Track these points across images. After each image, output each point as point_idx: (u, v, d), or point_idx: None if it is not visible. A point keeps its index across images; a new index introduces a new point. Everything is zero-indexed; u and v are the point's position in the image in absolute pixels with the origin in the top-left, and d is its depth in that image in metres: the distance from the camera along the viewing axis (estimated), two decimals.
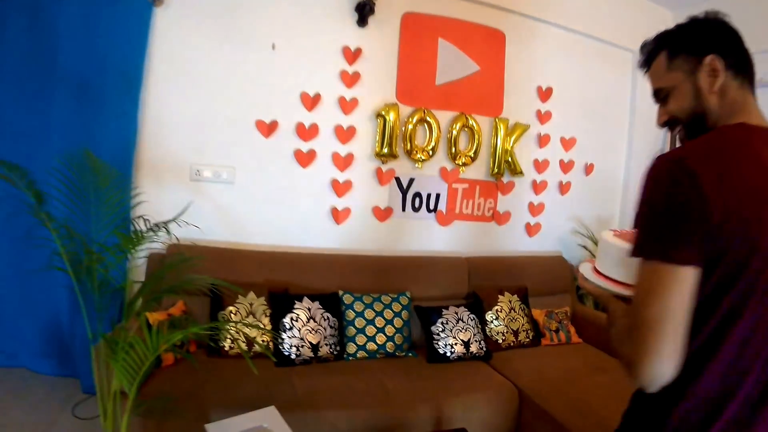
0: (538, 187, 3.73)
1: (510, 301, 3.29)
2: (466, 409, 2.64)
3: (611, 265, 1.23)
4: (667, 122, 1.23)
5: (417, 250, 3.50)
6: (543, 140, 3.71)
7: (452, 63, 3.38)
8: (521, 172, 3.58)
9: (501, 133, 3.49)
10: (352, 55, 3.20)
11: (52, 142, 2.88)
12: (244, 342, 2.82)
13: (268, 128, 3.12)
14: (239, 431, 1.91)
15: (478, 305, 3.24)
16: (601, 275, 1.25)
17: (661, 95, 1.22)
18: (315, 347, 2.85)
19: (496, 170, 3.51)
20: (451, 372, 2.87)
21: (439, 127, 3.36)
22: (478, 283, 3.38)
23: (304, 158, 3.20)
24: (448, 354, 2.98)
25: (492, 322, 3.22)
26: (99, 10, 2.84)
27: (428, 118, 3.32)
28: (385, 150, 3.27)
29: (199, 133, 3.05)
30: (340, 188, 3.28)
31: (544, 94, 3.67)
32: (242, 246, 3.14)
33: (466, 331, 3.04)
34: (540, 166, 3.72)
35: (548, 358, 3.14)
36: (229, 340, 2.81)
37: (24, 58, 2.86)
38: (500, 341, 3.19)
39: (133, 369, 2.13)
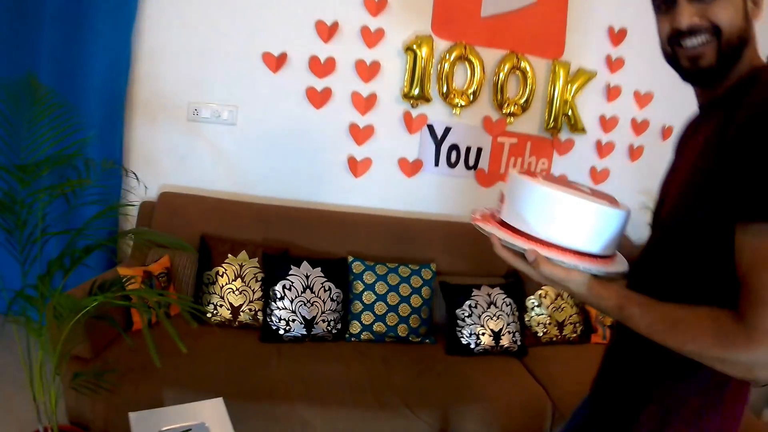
0: (602, 150, 3.08)
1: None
2: (480, 421, 2.18)
3: (544, 220, 0.94)
4: (697, 30, 0.95)
5: (449, 214, 2.99)
6: (612, 93, 3.04)
7: None
8: (583, 129, 2.96)
9: (560, 79, 2.88)
10: None
11: (40, 77, 2.53)
12: (228, 309, 2.42)
13: (276, 62, 2.71)
14: (164, 429, 1.59)
15: (517, 288, 2.72)
16: (521, 235, 0.95)
17: None
18: (309, 323, 2.46)
19: (551, 124, 2.92)
20: (473, 368, 2.40)
21: (482, 68, 2.79)
22: None
23: (318, 98, 2.76)
24: (472, 345, 2.51)
25: (533, 309, 2.70)
26: None
27: (470, 56, 2.76)
28: (416, 91, 2.76)
29: (199, 67, 2.71)
30: (359, 134, 2.83)
31: (616, 36, 2.98)
32: (241, 197, 2.80)
33: (498, 318, 2.53)
34: (607, 124, 3.06)
35: (597, 360, 2.55)
36: (211, 306, 2.41)
37: None
38: (540, 334, 2.68)
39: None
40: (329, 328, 2.46)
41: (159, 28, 2.64)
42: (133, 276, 2.27)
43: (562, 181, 1.00)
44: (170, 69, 2.70)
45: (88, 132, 2.57)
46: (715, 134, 0.92)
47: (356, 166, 2.85)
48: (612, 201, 0.98)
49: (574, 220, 0.92)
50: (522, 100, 2.85)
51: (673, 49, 1.00)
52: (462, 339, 2.49)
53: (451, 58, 2.73)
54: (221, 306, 2.46)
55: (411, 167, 2.88)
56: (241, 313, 2.46)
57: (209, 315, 2.47)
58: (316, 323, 2.44)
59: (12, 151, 1.99)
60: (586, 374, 2.31)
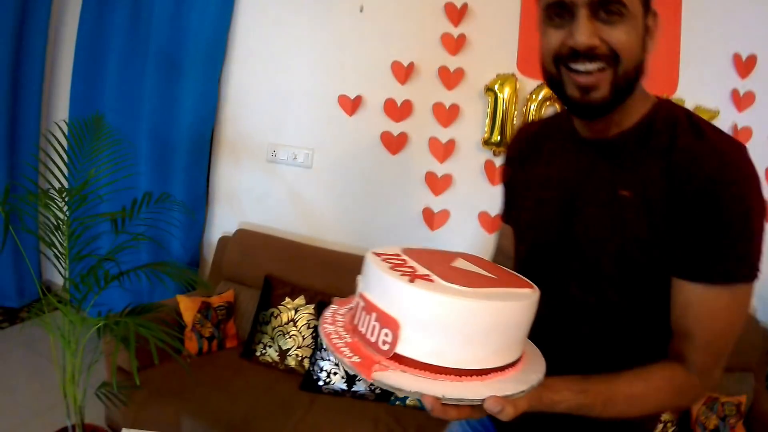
0: None
1: None
2: None
3: (457, 342, 0.70)
4: (594, 54, 0.84)
5: None
6: (741, 135, 2.39)
7: None
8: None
9: None
10: (457, 13, 2.53)
11: (143, 116, 2.97)
12: (276, 351, 2.43)
13: (351, 105, 2.71)
14: None
15: None
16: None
17: (610, 10, 0.83)
18: (351, 378, 2.35)
19: None
20: None
21: None
22: None
23: (393, 143, 2.67)
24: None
25: None
26: None
27: None
28: (497, 137, 2.52)
29: (279, 109, 2.84)
30: (437, 184, 2.66)
31: (744, 66, 2.36)
32: (311, 240, 2.82)
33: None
34: None
35: None
36: (261, 345, 2.42)
37: (126, 41, 3.05)
38: None
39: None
40: (373, 387, 2.27)
41: (243, 72, 2.82)
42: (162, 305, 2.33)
43: (443, 262, 0.81)
44: (253, 111, 2.85)
45: (176, 169, 2.83)
46: (658, 190, 0.86)
47: (432, 218, 2.68)
48: (514, 284, 0.78)
49: (469, 328, 0.70)
50: None
51: (559, 70, 0.89)
52: None
53: (539, 98, 2.44)
54: (270, 347, 2.48)
55: (492, 223, 2.62)
56: (288, 357, 2.45)
57: (258, 354, 2.50)
58: (359, 380, 2.31)
59: (72, 178, 2.19)
60: None
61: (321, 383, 2.31)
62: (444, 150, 2.60)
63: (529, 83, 2.48)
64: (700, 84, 2.40)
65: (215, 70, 2.81)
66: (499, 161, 2.55)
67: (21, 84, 3.04)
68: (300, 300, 2.52)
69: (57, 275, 2.42)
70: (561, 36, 0.86)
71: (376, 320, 0.72)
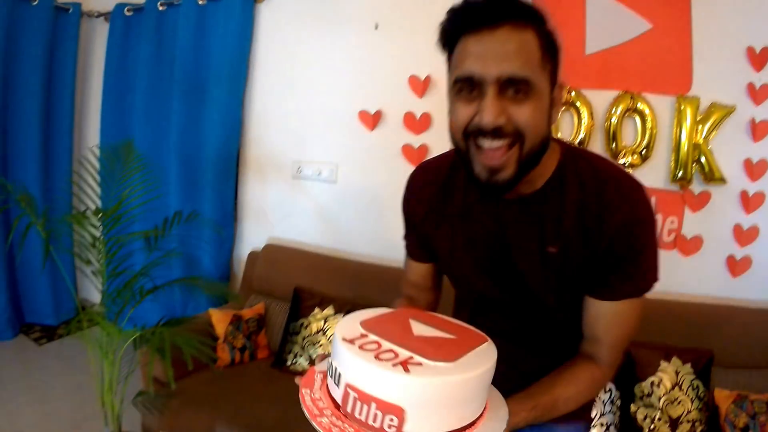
0: (750, 202, 2.43)
1: (678, 372, 2.25)
2: None
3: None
4: (501, 133, 0.88)
5: None
6: (759, 129, 2.39)
7: (608, 22, 2.48)
8: (722, 179, 2.40)
9: (688, 119, 2.39)
10: None
11: (170, 140, 3.09)
12: (306, 360, 2.54)
13: (372, 119, 2.79)
14: None
15: (627, 370, 2.29)
16: None
17: (518, 89, 0.87)
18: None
19: (680, 175, 2.43)
20: None
21: (590, 114, 2.48)
22: (637, 338, 2.33)
23: (415, 155, 2.75)
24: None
25: (642, 398, 2.25)
26: (206, 16, 3.01)
27: (575, 101, 2.48)
28: None
29: (302, 127, 2.94)
30: None
31: (758, 58, 2.36)
32: (338, 253, 2.90)
33: (593, 407, 2.10)
34: (754, 169, 2.42)
35: None
36: (292, 356, 2.51)
37: (151, 69, 3.19)
38: (646, 430, 2.20)
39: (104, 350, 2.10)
40: None
41: (265, 93, 2.93)
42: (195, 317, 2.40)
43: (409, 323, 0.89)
44: (276, 130, 2.95)
45: (205, 189, 2.98)
46: (576, 243, 0.98)
47: None
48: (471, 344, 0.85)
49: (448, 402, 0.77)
50: (641, 148, 2.45)
51: (468, 145, 0.93)
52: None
53: None
54: (300, 356, 2.55)
55: None
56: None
57: (288, 363, 2.57)
58: None
59: (106, 199, 2.30)
60: None
61: None
62: None
63: None
64: (714, 79, 2.41)
65: (238, 93, 2.92)
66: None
67: (52, 113, 3.21)
68: (329, 310, 2.58)
69: (92, 293, 2.52)
70: (470, 111, 0.89)
71: (377, 409, 0.74)
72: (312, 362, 2.49)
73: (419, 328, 0.87)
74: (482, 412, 0.83)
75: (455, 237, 1.13)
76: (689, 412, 2.18)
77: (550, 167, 1.00)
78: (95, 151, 2.39)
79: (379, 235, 2.85)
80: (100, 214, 2.14)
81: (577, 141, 2.49)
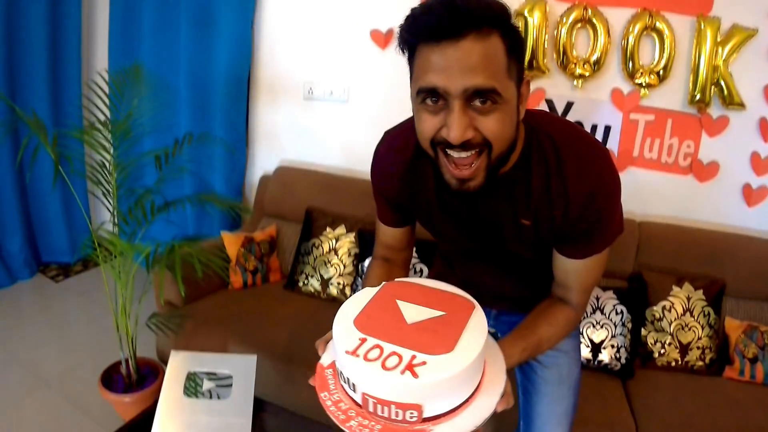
0: None
1: (689, 298, 2.24)
2: None
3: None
4: (469, 145, 0.88)
5: None
6: None
7: None
8: (741, 104, 2.30)
9: (707, 41, 2.26)
10: None
11: (180, 63, 3.00)
12: (318, 281, 2.51)
13: (384, 39, 2.70)
14: (195, 370, 1.71)
15: (638, 294, 2.28)
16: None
17: (483, 101, 0.85)
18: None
19: (698, 97, 2.33)
20: None
21: (607, 31, 2.37)
22: (649, 262, 2.37)
23: None
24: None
25: (653, 323, 2.24)
26: None
27: (592, 18, 2.36)
28: (529, 63, 2.46)
29: (313, 48, 2.84)
30: None
31: None
32: (351, 172, 2.86)
33: (602, 327, 2.17)
34: None
35: (724, 402, 2.02)
36: (303, 276, 2.52)
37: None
38: (656, 355, 2.21)
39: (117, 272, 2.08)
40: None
41: (276, 14, 2.83)
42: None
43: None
44: (287, 51, 2.85)
45: (215, 113, 2.93)
46: (546, 217, 1.05)
47: None
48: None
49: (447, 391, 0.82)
50: (659, 69, 2.34)
51: (436, 152, 0.93)
52: None
53: (569, 22, 2.37)
54: (312, 277, 2.54)
55: None
56: (330, 286, 2.50)
57: (300, 284, 2.56)
58: None
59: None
60: (702, 418, 1.93)
61: None
62: None
63: (559, 6, 2.40)
64: (736, 1, 2.26)
65: (248, 14, 2.81)
66: (532, 86, 2.46)
67: (59, 38, 3.10)
68: (341, 229, 2.57)
69: (106, 224, 2.49)
70: (436, 123, 0.88)
71: (396, 408, 0.80)
72: (324, 281, 2.50)
73: (409, 312, 0.90)
74: (482, 377, 0.89)
75: (432, 208, 1.18)
76: (699, 338, 2.17)
77: (517, 150, 1.02)
78: (104, 75, 2.34)
79: None
80: (109, 126, 2.10)
81: (593, 60, 2.39)
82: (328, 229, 2.58)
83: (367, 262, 2.40)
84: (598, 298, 2.19)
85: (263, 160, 3.11)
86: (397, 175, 1.19)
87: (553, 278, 1.21)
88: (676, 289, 2.23)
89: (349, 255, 2.51)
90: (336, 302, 2.49)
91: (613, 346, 2.13)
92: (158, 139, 2.77)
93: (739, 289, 2.29)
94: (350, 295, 2.31)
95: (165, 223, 2.58)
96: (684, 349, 2.17)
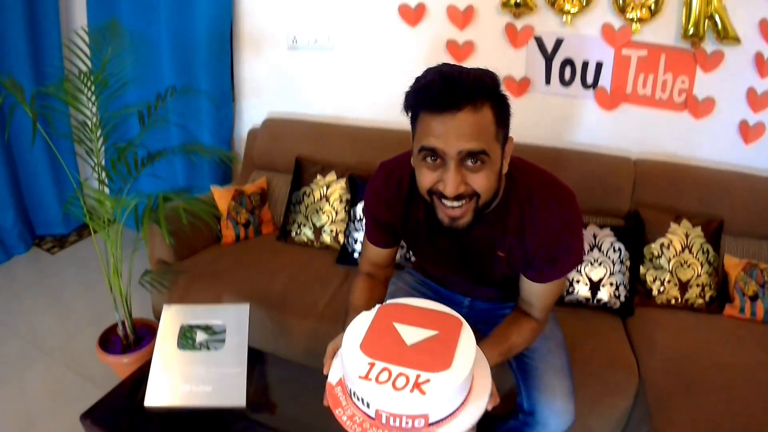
0: (765, 66, 2.22)
1: (688, 235, 2.16)
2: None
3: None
4: (462, 196, 1.06)
5: (564, 141, 2.53)
6: None
7: None
8: (736, 38, 2.17)
9: None
10: None
11: (160, 19, 2.82)
12: (311, 229, 2.45)
13: None
14: (189, 323, 1.66)
15: (636, 232, 2.21)
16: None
17: (474, 162, 1.03)
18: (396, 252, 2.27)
19: (691, 32, 2.19)
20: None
21: None
22: (645, 200, 2.30)
23: (412, 15, 2.52)
24: (563, 294, 2.10)
25: (651, 261, 2.17)
26: None
27: None
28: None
29: None
30: (459, 52, 2.51)
31: None
32: (339, 120, 2.76)
33: (600, 265, 2.10)
34: None
35: (724, 339, 1.96)
36: (296, 225, 2.47)
37: None
38: (655, 293, 2.15)
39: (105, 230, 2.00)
40: (408, 255, 2.24)
41: None
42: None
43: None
44: (269, 1, 2.71)
45: (199, 68, 2.80)
46: (519, 251, 1.26)
47: None
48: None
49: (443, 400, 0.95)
50: (650, 2, 2.20)
51: (432, 198, 1.11)
52: None
53: None
54: (304, 225, 2.46)
55: (518, 87, 2.49)
56: (323, 234, 2.43)
57: (293, 234, 2.49)
58: None
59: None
60: (701, 354, 1.86)
61: (356, 255, 2.29)
62: (463, 17, 2.43)
63: None
64: None
65: None
66: (520, 24, 2.37)
67: None
68: (331, 176, 2.48)
69: (91, 181, 2.40)
70: (434, 177, 1.06)
71: (407, 419, 0.92)
72: (317, 229, 2.42)
73: (407, 334, 1.03)
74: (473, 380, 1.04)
75: (419, 235, 1.37)
76: (699, 276, 2.11)
77: (499, 195, 1.21)
78: (82, 33, 2.21)
79: (378, 99, 2.71)
80: (91, 76, 1.96)
81: None
82: (318, 177, 2.49)
83: (359, 208, 2.32)
84: (595, 236, 2.11)
85: (251, 114, 2.99)
86: (392, 202, 1.35)
87: (519, 291, 1.40)
88: (674, 226, 2.16)
89: (341, 201, 2.42)
90: (329, 250, 2.43)
91: (611, 284, 2.06)
92: (142, 97, 2.61)
93: (738, 227, 2.22)
94: (344, 243, 2.27)
95: (153, 180, 2.51)
96: (683, 286, 2.11)
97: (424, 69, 1.07)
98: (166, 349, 1.57)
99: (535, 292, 1.34)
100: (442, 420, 0.95)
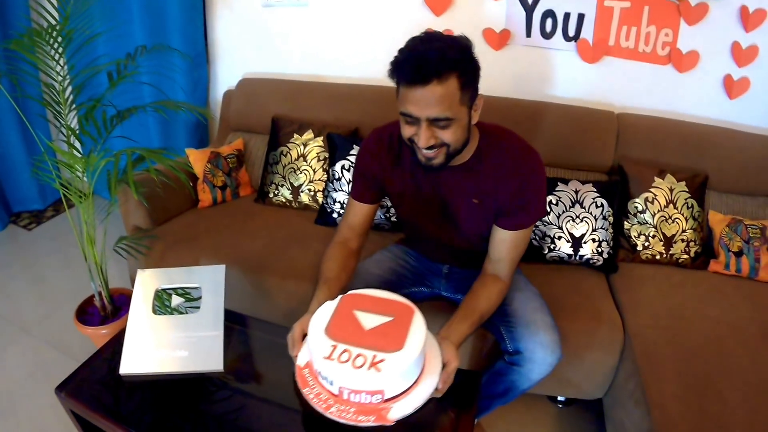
0: (750, 19, 2.12)
1: (672, 189, 2.09)
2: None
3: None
4: (432, 147, 1.26)
5: (545, 95, 2.42)
6: None
7: None
8: None
9: None
10: None
11: None
12: (289, 190, 2.34)
13: None
14: (163, 287, 1.56)
15: (619, 186, 2.13)
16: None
17: (441, 123, 1.23)
18: (374, 215, 2.18)
19: None
20: (539, 279, 1.75)
21: None
22: (629, 154, 2.21)
23: None
24: (545, 251, 2.05)
25: (635, 215, 2.10)
26: None
27: None
28: None
29: None
30: (437, 5, 2.39)
31: None
32: (316, 78, 2.63)
33: (581, 221, 2.01)
34: None
35: (710, 295, 1.91)
36: (273, 186, 2.36)
37: None
38: (639, 248, 2.08)
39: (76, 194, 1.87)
40: (388, 215, 2.14)
41: None
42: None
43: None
44: None
45: (172, 31, 2.65)
46: (491, 196, 1.40)
47: None
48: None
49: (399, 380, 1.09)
50: None
51: (413, 144, 1.29)
52: (533, 241, 2.03)
53: None
54: (282, 186, 2.35)
55: (498, 38, 2.36)
56: (301, 194, 2.32)
57: (271, 195, 2.38)
58: None
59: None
60: (690, 309, 1.76)
61: (335, 215, 2.19)
62: None
63: None
64: None
65: None
66: None
67: None
68: (308, 134, 2.36)
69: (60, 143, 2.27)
70: (412, 131, 1.25)
71: (366, 394, 1.06)
72: (295, 189, 2.33)
73: (365, 320, 1.16)
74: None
75: (405, 187, 1.50)
76: (684, 231, 2.05)
77: (473, 146, 1.39)
78: None
79: (354, 56, 2.59)
80: (57, 27, 1.79)
81: None
82: (295, 136, 2.37)
83: (338, 166, 2.22)
84: (577, 191, 2.03)
85: (226, 76, 2.84)
86: (382, 156, 1.50)
87: (486, 257, 1.49)
88: (658, 180, 2.09)
89: (319, 159, 2.31)
90: (308, 210, 2.33)
91: (594, 240, 1.99)
92: (112, 58, 2.45)
93: (722, 182, 2.16)
94: (322, 203, 2.16)
95: (126, 144, 2.35)
96: (668, 241, 2.05)
97: (406, 37, 1.23)
98: (140, 315, 1.47)
99: (506, 243, 1.44)
100: (396, 396, 1.08)
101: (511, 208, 1.39)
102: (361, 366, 1.05)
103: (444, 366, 1.19)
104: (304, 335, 1.24)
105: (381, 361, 1.05)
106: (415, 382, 1.11)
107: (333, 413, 1.07)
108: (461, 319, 1.35)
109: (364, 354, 1.07)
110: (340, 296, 1.23)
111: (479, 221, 1.48)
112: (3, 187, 3.18)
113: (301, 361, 1.19)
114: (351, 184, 1.70)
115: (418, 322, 1.15)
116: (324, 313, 1.19)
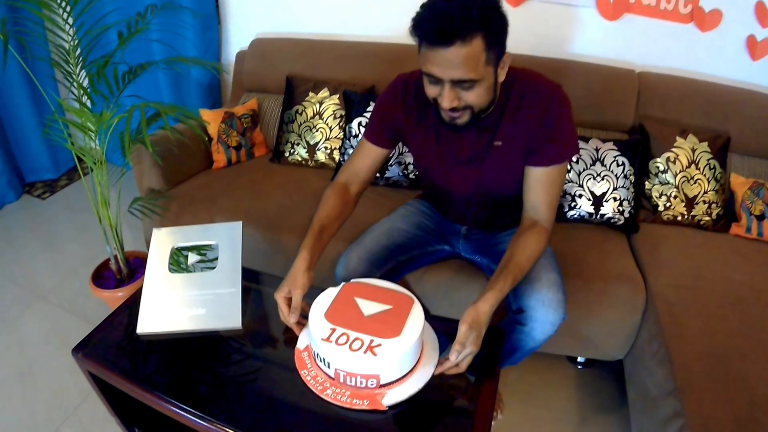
0: None
1: (694, 150, 1.97)
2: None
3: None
4: (455, 108, 1.18)
5: (564, 52, 2.29)
6: None
7: None
8: None
9: None
10: None
11: None
12: (305, 148, 2.24)
13: None
14: (180, 245, 1.47)
15: (641, 146, 2.00)
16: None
17: (465, 85, 1.14)
18: (383, 164, 2.08)
19: None
20: (560, 238, 1.68)
21: None
22: (651, 114, 2.09)
23: None
24: (565, 209, 1.93)
25: (657, 175, 1.98)
26: None
27: None
28: None
29: None
30: None
31: None
32: (330, 37, 2.49)
33: (602, 180, 1.90)
34: None
35: (732, 258, 1.80)
36: (289, 145, 2.25)
37: None
38: (661, 208, 1.97)
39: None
40: (406, 172, 2.05)
41: None
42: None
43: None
44: None
45: None
46: (517, 136, 1.29)
47: None
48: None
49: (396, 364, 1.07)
50: None
51: (436, 103, 1.20)
52: None
53: None
54: (298, 144, 2.24)
55: None
56: (317, 152, 2.22)
57: (287, 154, 2.27)
58: (391, 165, 2.09)
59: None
60: (712, 271, 1.63)
61: None
62: None
63: None
64: None
65: None
66: None
67: None
68: (324, 92, 2.24)
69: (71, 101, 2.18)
70: (435, 91, 1.17)
71: (361, 378, 1.04)
72: (311, 147, 2.23)
73: (365, 307, 1.15)
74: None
75: (428, 136, 1.39)
76: (705, 192, 1.93)
77: (495, 99, 1.26)
78: None
79: (369, 13, 2.45)
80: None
81: None
82: (311, 94, 2.25)
83: (354, 123, 2.12)
84: (597, 149, 1.91)
85: (238, 37, 2.70)
86: (407, 100, 1.39)
87: (522, 212, 1.37)
88: (679, 140, 1.97)
89: (335, 117, 2.20)
90: (325, 168, 2.22)
91: (615, 199, 1.88)
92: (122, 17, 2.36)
93: (744, 145, 2.03)
94: (339, 160, 2.03)
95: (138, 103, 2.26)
96: (690, 202, 1.94)
97: None
98: (156, 274, 1.37)
99: (539, 183, 1.32)
100: (392, 383, 1.06)
101: (537, 142, 1.27)
102: (358, 349, 1.05)
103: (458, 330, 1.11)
104: (289, 299, 1.21)
105: (378, 345, 1.05)
106: (411, 371, 1.10)
107: (328, 396, 1.06)
108: (501, 274, 1.22)
109: (361, 338, 1.07)
110: (342, 283, 1.22)
111: (503, 165, 1.35)
112: (16, 157, 3.07)
113: (300, 344, 1.18)
114: (366, 125, 1.56)
115: (417, 312, 1.14)
116: (326, 297, 1.19)
